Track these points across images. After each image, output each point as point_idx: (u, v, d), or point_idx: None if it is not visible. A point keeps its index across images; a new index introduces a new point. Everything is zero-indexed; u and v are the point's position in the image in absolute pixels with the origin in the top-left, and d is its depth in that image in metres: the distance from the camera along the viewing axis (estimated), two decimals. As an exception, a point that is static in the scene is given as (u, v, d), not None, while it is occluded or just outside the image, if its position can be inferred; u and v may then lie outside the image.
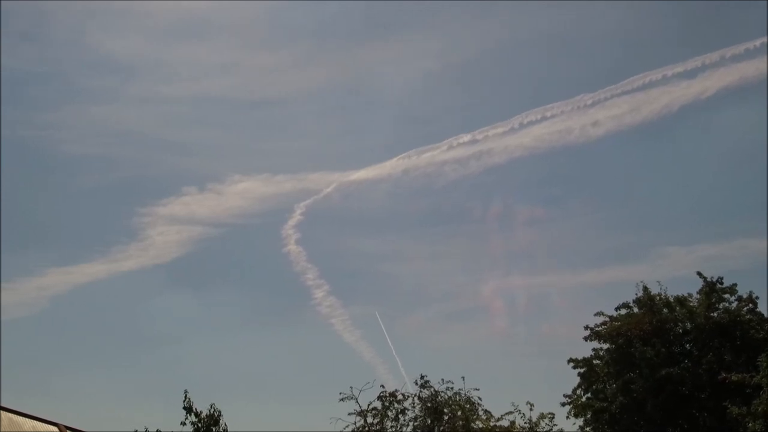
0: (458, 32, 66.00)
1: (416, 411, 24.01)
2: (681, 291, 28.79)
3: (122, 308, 59.58)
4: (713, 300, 27.80)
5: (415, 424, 23.89)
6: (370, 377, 30.29)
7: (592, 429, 28.51)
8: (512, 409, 23.80)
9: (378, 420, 23.63)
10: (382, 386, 23.92)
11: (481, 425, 23.54)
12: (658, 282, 29.08)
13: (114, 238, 60.12)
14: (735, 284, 27.98)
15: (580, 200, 61.58)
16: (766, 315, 27.21)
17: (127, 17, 66.47)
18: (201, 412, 18.46)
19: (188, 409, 18.36)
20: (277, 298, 62.63)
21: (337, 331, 47.90)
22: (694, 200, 59.97)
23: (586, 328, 28.99)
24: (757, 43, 43.95)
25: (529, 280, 57.57)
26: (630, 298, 29.00)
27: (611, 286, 54.11)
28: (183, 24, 70.18)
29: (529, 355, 53.03)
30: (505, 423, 23.68)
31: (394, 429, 23.72)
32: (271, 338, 59.01)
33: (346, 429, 23.58)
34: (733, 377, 23.39)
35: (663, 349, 27.25)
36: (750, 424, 21.89)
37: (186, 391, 18.53)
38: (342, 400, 23.53)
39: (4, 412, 14.20)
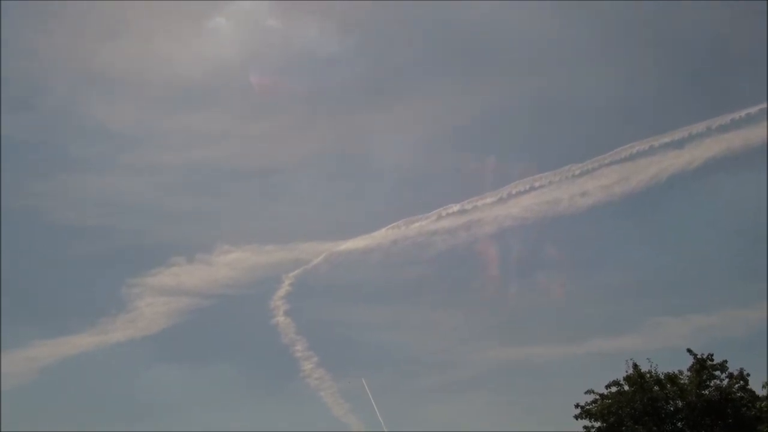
0: (448, 101, 67.85)
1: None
2: (675, 362, 28.68)
3: (110, 380, 58.92)
4: (704, 377, 27.57)
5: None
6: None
7: None
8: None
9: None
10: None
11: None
12: (648, 359, 28.76)
13: (102, 310, 59.86)
14: (725, 361, 27.83)
15: (570, 271, 61.72)
16: (757, 392, 26.92)
17: (120, 87, 67.81)
18: None
19: None
20: (265, 370, 61.93)
21: (326, 404, 47.17)
22: (685, 269, 60.38)
23: (577, 406, 28.59)
24: (743, 113, 44.93)
25: (522, 350, 57.14)
26: (623, 368, 28.56)
27: (605, 357, 53.80)
28: (176, 93, 71.72)
29: (524, 429, 52.06)
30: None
31: None
32: (259, 412, 58.08)
33: None
34: (726, 457, 23.00)
35: (654, 428, 26.93)
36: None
37: None
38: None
39: None
